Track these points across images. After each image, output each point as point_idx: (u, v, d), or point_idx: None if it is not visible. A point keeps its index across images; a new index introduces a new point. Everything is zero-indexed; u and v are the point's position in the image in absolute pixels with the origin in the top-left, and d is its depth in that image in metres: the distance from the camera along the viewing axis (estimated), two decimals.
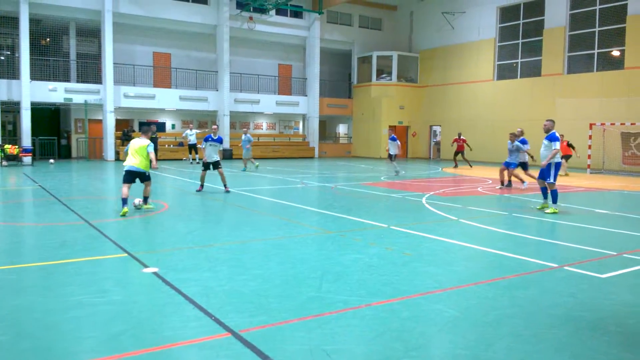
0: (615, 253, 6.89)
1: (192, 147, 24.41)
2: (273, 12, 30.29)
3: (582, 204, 12.38)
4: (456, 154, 24.07)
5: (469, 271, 6.16)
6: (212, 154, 13.39)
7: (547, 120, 10.93)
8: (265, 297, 4.90)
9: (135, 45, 28.57)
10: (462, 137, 24.13)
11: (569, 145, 20.08)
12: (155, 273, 5.65)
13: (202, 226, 8.98)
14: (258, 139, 33.07)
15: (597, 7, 24.20)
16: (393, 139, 19.51)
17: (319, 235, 8.21)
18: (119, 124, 27.91)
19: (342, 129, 37.80)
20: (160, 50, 29.35)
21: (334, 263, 6.29)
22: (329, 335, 3.99)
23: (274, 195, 13.35)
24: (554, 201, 10.42)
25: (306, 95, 33.11)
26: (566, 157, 19.44)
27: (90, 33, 27.94)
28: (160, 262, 6.12)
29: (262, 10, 29.43)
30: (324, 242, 7.65)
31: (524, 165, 15.02)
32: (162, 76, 29.09)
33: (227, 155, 29.09)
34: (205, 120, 31.49)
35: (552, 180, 10.42)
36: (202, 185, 13.47)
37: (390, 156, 19.81)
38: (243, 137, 21.52)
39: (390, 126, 32.62)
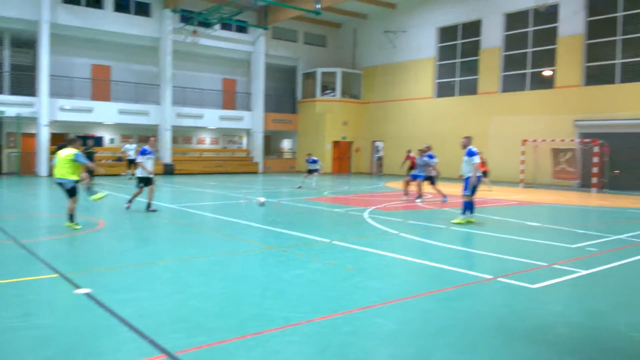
0: (546, 264, 7.19)
1: (132, 162, 23.72)
2: (218, 26, 30.11)
3: (515, 217, 12.87)
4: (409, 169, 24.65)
5: (408, 284, 6.26)
6: (151, 168, 12.79)
7: (463, 138, 11.32)
8: (205, 316, 4.79)
9: (72, 57, 27.63)
10: (411, 153, 24.50)
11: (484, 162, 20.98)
12: (87, 294, 5.41)
13: (139, 244, 8.72)
14: (201, 154, 32.63)
15: (531, 29, 25.49)
16: (314, 161, 20.43)
17: (261, 252, 8.14)
18: (55, 138, 26.75)
19: (286, 144, 37.83)
20: (100, 63, 28.52)
21: (275, 279, 6.24)
22: (269, 353, 3.94)
23: (216, 211, 13.15)
24: (463, 212, 10.94)
25: (251, 110, 32.98)
26: (485, 173, 20.22)
27: (26, 44, 26.83)
28: (94, 283, 5.88)
29: (207, 24, 29.20)
30: (266, 259, 7.59)
31: (432, 179, 15.64)
32: (101, 89, 28.23)
33: (169, 170, 28.51)
34: (146, 135, 30.73)
35: (465, 192, 10.91)
36: (131, 202, 12.73)
37: (310, 171, 20.42)
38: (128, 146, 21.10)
39: (334, 141, 32.97)
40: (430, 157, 15.78)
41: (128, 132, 29.89)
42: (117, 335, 4.29)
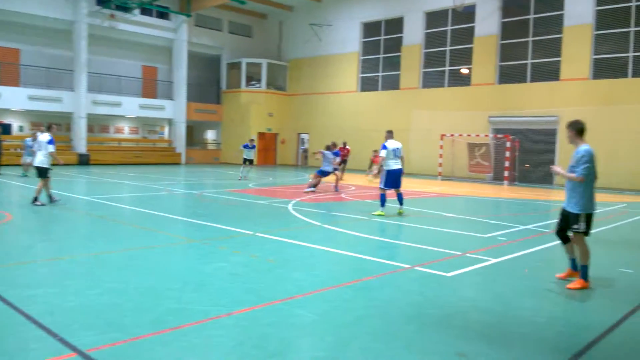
0: (459, 253, 7.54)
1: None
2: (137, 11, 28.89)
3: (433, 208, 13.38)
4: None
5: (330, 275, 6.35)
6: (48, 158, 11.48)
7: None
8: (119, 311, 4.62)
9: None
10: (347, 146, 24.38)
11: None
12: None
13: (49, 238, 8.26)
14: (119, 144, 31.33)
15: (449, 28, 26.49)
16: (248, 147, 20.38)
17: (182, 245, 7.96)
18: None
19: (210, 134, 37.11)
20: (8, 45, 26.59)
21: (196, 272, 6.13)
22: (187, 348, 3.87)
23: (135, 204, 12.70)
24: (381, 205, 11.24)
25: (172, 100, 32.03)
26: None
27: None
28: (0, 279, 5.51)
29: (126, 8, 27.95)
30: (187, 251, 7.43)
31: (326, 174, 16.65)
32: (9, 73, 26.34)
33: (85, 160, 27.16)
34: (58, 123, 29.06)
35: (380, 186, 11.52)
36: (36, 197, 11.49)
37: (245, 161, 20.36)
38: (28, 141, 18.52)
39: (259, 133, 32.73)
40: (336, 154, 17.11)
41: (39, 120, 28.13)
42: (23, 333, 4.05)
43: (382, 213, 11.12)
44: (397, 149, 11.25)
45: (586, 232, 5.88)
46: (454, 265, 6.74)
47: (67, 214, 10.78)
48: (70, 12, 26.99)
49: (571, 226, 5.93)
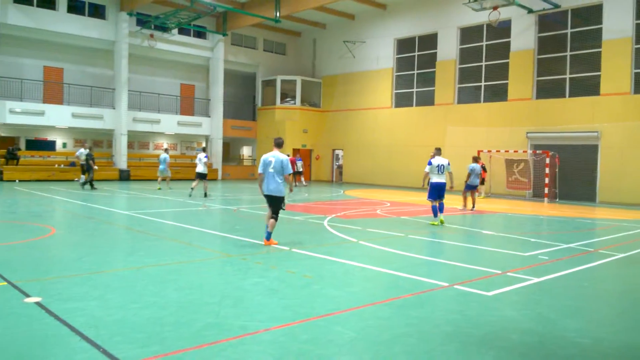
0: (500, 272, 7.38)
1: (84, 168, 23.01)
2: (175, 31, 29.72)
3: (471, 225, 13.17)
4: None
5: (366, 292, 6.30)
6: None
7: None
8: (160, 325, 4.69)
9: (23, 58, 26.74)
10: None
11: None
12: (38, 303, 5.21)
13: (92, 251, 8.45)
14: (159, 160, 31.99)
15: (484, 43, 26.26)
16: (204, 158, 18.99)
17: (220, 259, 8.04)
18: (4, 141, 25.83)
19: (246, 150, 37.60)
20: (52, 65, 27.69)
21: (233, 287, 6.17)
22: None
23: (174, 218, 12.92)
24: (434, 215, 12.69)
25: (209, 116, 32.66)
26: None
27: None
28: (44, 291, 5.67)
29: (164, 28, 28.79)
30: (224, 266, 7.50)
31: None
32: (53, 92, 27.40)
33: (125, 175, 27.86)
34: (100, 140, 29.99)
35: (427, 198, 12.82)
36: None
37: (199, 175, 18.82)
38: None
39: (294, 149, 32.97)
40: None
41: (82, 137, 29.08)
42: (68, 345, 4.15)
43: (435, 223, 12.46)
44: (442, 165, 12.63)
45: None
46: (494, 284, 6.60)
47: (109, 228, 11.04)
48: (112, 33, 27.95)
49: None
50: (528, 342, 4.64)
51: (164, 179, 21.93)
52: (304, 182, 26.17)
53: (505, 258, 8.67)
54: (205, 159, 18.74)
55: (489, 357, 4.20)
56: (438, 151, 12.97)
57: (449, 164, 12.75)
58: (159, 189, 21.41)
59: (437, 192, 12.54)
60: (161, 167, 21.56)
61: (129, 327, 4.62)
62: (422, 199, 19.54)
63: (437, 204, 12.59)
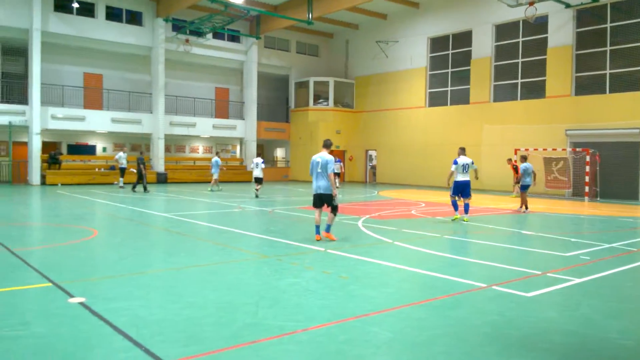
0: (539, 272, 7.23)
1: (123, 171, 23.62)
2: (210, 35, 30.19)
3: (509, 225, 12.94)
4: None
5: (403, 293, 6.27)
6: None
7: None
8: (199, 325, 4.78)
9: (64, 65, 27.60)
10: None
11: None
12: (82, 303, 5.38)
13: (133, 253, 8.67)
14: (194, 163, 32.59)
15: (520, 40, 25.75)
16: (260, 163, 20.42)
17: (256, 260, 8.13)
18: (46, 146, 26.71)
19: (279, 152, 37.87)
20: (92, 71, 28.50)
21: (270, 288, 6.23)
22: None
23: (210, 220, 13.12)
24: (455, 209, 13.21)
25: (243, 119, 33.03)
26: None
27: (17, 52, 26.80)
28: (88, 292, 5.85)
29: (199, 33, 29.28)
30: (261, 267, 7.58)
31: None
32: (93, 97, 28.19)
33: (162, 178, 28.43)
34: (138, 144, 30.69)
35: (450, 194, 13.33)
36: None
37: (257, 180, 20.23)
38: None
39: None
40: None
41: (121, 141, 29.83)
42: (111, 344, 4.27)
43: (457, 216, 13.00)
44: (466, 164, 13.02)
45: None
46: (533, 285, 6.48)
47: (148, 230, 11.30)
48: (149, 39, 28.59)
49: None
50: (570, 344, 4.54)
51: (219, 181, 23.73)
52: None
53: (545, 258, 8.49)
54: (262, 165, 20.34)
55: (529, 359, 4.13)
56: (462, 150, 13.36)
57: (472, 162, 13.23)
58: (211, 190, 22.80)
59: (460, 189, 13.04)
60: (213, 169, 22.91)
61: (170, 326, 4.72)
62: None
63: (462, 203, 13.11)
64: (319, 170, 9.58)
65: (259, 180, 20.02)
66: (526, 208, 16.02)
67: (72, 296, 5.64)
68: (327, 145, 9.81)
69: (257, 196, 19.60)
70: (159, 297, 5.74)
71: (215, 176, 22.99)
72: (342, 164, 24.24)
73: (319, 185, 9.62)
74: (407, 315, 5.27)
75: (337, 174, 24.35)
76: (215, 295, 5.83)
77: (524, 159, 16.60)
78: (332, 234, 9.83)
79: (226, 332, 4.59)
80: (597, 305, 5.74)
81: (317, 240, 9.58)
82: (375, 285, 6.48)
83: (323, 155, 9.63)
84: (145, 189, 21.62)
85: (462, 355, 4.18)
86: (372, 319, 5.08)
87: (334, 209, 9.74)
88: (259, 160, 20.45)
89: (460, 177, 13.00)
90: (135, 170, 21.80)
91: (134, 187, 21.77)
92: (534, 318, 5.21)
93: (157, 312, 5.15)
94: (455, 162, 13.06)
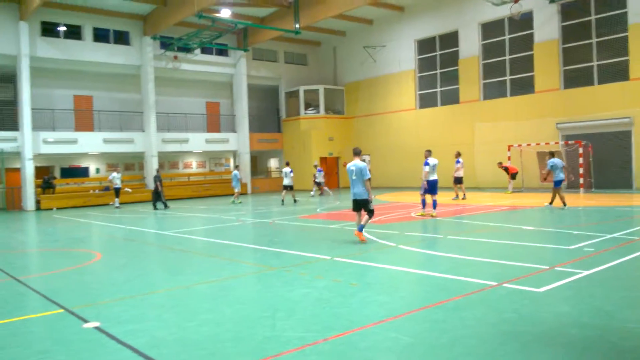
0: (547, 267, 7.28)
1: (118, 191, 23.55)
2: (198, 50, 30.23)
3: (509, 222, 13.01)
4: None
5: (415, 296, 6.30)
6: None
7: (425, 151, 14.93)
8: (220, 341, 4.78)
9: (54, 89, 27.52)
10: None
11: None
12: (97, 328, 5.36)
13: (140, 273, 8.64)
14: (189, 178, 32.52)
15: (507, 37, 26.00)
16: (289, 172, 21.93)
17: (264, 273, 8.13)
18: (39, 171, 26.57)
19: (273, 163, 37.87)
20: (81, 93, 28.43)
21: (283, 300, 6.24)
22: None
23: (211, 235, 13.10)
24: (422, 207, 14.75)
25: (236, 132, 33.04)
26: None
27: (6, 78, 26.69)
28: (101, 316, 5.83)
29: (187, 49, 29.30)
30: (270, 279, 7.58)
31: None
32: (84, 119, 28.09)
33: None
34: (131, 163, 30.60)
35: (420, 192, 14.84)
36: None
37: (286, 187, 21.92)
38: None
39: (321, 157, 33.08)
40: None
41: (114, 161, 29.73)
42: None
43: (424, 213, 14.39)
44: (435, 164, 14.43)
45: None
46: (544, 280, 6.52)
47: (152, 249, 11.27)
48: (137, 58, 28.59)
49: None
50: (589, 336, 4.58)
51: (241, 194, 24.86)
52: (329, 192, 26.70)
53: (551, 252, 8.55)
54: (291, 174, 21.81)
55: (551, 354, 4.17)
56: (429, 152, 14.70)
57: (437, 162, 14.71)
58: (233, 202, 23.67)
59: (431, 188, 14.35)
60: (233, 183, 23.52)
61: (191, 345, 4.72)
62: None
63: (432, 200, 14.39)
64: (354, 177, 10.27)
65: (287, 188, 21.59)
66: (564, 204, 15.18)
67: (86, 321, 5.61)
68: (357, 152, 10.56)
69: (295, 201, 21.65)
70: (174, 316, 5.72)
71: (236, 189, 23.63)
72: (323, 172, 25.75)
73: (355, 191, 10.34)
74: (423, 318, 5.29)
75: (317, 183, 24.71)
76: (230, 310, 5.83)
77: (551, 154, 16.19)
78: (362, 234, 10.23)
79: (247, 347, 4.60)
80: (608, 295, 5.79)
81: (355, 235, 10.34)
82: (387, 291, 6.50)
83: (356, 163, 10.33)
84: (165, 205, 22.28)
85: (484, 355, 4.21)
86: (389, 324, 5.10)
87: (370, 213, 10.29)
88: (288, 169, 21.83)
89: (432, 177, 14.36)
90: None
91: (155, 206, 22.35)
92: (549, 313, 5.26)
93: (176, 332, 5.14)
94: (427, 163, 14.31)
